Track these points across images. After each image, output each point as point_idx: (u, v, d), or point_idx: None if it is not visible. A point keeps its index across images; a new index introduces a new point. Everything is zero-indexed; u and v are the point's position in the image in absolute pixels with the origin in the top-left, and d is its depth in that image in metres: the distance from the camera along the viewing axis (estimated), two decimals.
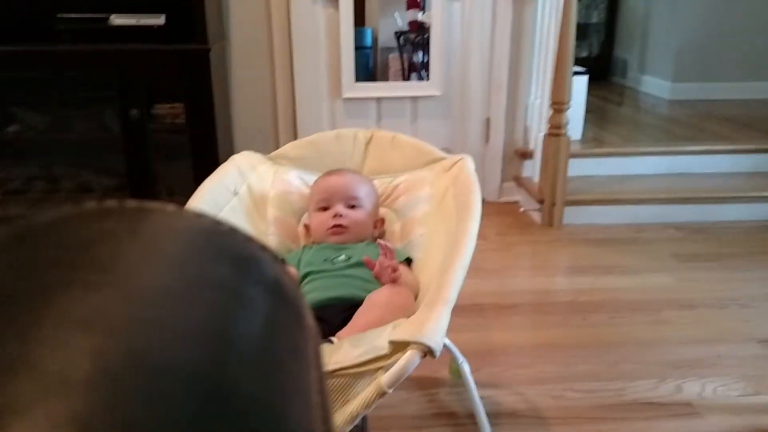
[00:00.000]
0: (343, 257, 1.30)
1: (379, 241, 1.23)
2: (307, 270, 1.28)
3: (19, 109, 2.55)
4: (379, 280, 1.20)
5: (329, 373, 0.91)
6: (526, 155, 2.84)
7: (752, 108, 3.74)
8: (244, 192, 1.39)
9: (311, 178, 1.52)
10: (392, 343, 0.90)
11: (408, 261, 1.32)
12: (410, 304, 1.14)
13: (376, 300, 1.14)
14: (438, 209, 1.37)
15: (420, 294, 1.20)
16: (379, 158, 1.56)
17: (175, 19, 2.30)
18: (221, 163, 2.52)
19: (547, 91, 2.68)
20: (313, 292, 1.23)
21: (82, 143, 2.63)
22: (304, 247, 1.38)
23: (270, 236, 1.38)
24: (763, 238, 2.57)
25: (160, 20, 2.24)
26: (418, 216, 1.41)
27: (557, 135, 2.55)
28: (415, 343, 0.88)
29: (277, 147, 2.79)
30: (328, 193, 1.39)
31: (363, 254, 1.29)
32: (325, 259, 1.30)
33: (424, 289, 1.19)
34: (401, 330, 0.93)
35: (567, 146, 2.56)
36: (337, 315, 1.15)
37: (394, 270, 1.17)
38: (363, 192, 1.41)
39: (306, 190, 1.50)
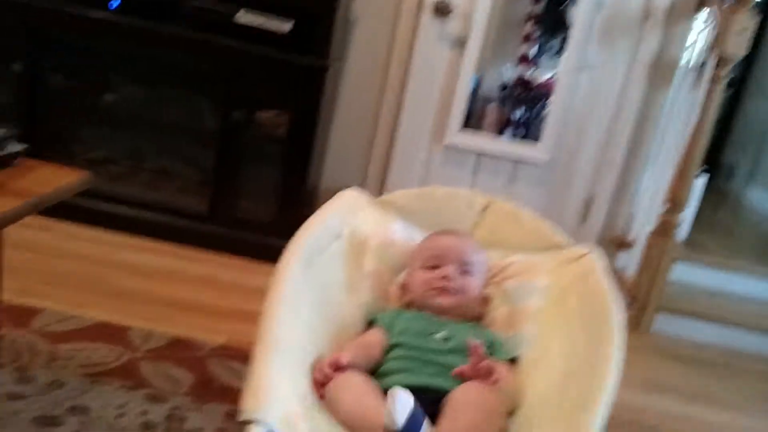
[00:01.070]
0: (442, 335, 1.15)
1: (470, 341, 1.07)
2: (399, 340, 1.15)
3: (121, 78, 2.52)
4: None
5: None
6: (623, 245, 2.64)
7: None
8: (346, 236, 1.27)
9: (416, 233, 1.39)
10: None
11: (511, 360, 1.17)
12: (499, 411, 1.01)
13: (466, 401, 0.98)
14: (556, 308, 1.21)
15: (526, 410, 1.03)
16: (493, 229, 1.42)
17: (299, 27, 2.22)
18: (309, 184, 2.45)
19: (662, 183, 2.49)
20: (402, 374, 1.09)
21: (174, 129, 2.58)
22: (398, 310, 1.24)
23: (362, 291, 1.25)
24: None
25: (286, 26, 2.16)
26: (531, 309, 1.25)
27: (666, 235, 2.35)
28: None
29: (365, 178, 2.72)
30: (440, 252, 1.27)
31: (464, 341, 1.14)
32: (421, 333, 1.16)
33: (528, 407, 1.02)
34: None
35: (674, 249, 2.36)
36: (425, 406, 1.00)
37: (490, 373, 1.02)
38: (478, 260, 1.28)
39: (408, 244, 1.37)
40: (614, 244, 2.68)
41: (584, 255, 1.30)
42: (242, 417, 0.79)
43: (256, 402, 0.80)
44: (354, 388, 0.98)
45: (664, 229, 2.36)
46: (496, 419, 0.97)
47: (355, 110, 2.62)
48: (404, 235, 1.38)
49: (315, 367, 1.03)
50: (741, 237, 3.32)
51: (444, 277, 1.23)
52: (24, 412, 1.42)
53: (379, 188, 2.58)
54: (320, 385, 1.00)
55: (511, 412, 1.04)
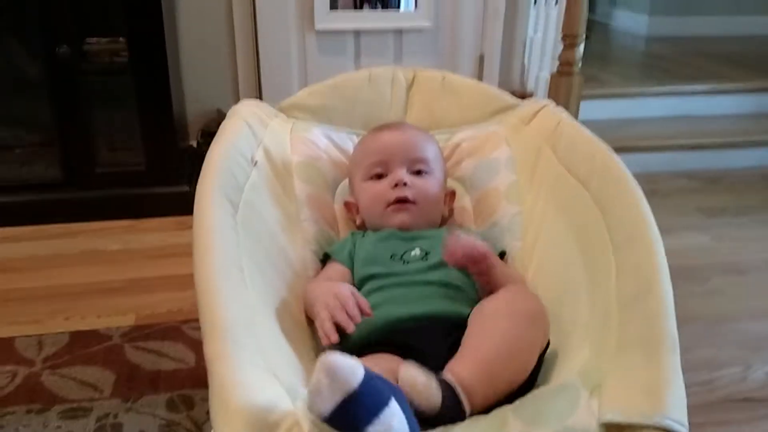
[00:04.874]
0: (417, 252, 0.93)
1: (454, 234, 0.85)
2: (369, 271, 0.91)
3: None
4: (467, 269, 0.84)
5: None
6: (524, 98, 2.49)
7: (741, 45, 3.53)
8: (262, 159, 0.99)
9: (341, 136, 1.13)
10: (605, 425, 0.56)
11: (501, 255, 0.97)
12: (542, 311, 0.78)
13: (493, 309, 0.77)
14: (533, 178, 1.02)
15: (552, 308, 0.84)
16: (427, 107, 1.18)
17: None
18: (176, 114, 2.08)
19: (552, 23, 2.37)
20: (388, 306, 0.85)
21: None
22: (354, 234, 1.00)
23: (304, 222, 0.99)
24: None
25: None
26: (502, 188, 1.05)
27: (569, 73, 2.21)
28: (649, 426, 0.54)
29: (237, 90, 2.37)
30: (383, 155, 1.01)
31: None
32: (393, 255, 0.93)
33: (554, 303, 0.83)
34: (612, 396, 0.59)
35: (580, 86, 2.23)
36: (439, 341, 0.78)
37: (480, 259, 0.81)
38: (431, 153, 1.04)
39: (338, 154, 1.11)
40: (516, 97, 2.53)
41: (542, 108, 1.10)
42: None
43: (235, 422, 0.55)
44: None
45: (565, 68, 2.22)
46: (538, 327, 0.76)
47: (203, 13, 2.22)
48: (328, 143, 1.12)
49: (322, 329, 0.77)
50: (624, 62, 3.29)
51: (396, 186, 0.99)
52: None
53: (257, 98, 2.25)
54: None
55: None
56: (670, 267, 1.06)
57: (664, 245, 1.63)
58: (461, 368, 0.68)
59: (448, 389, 0.65)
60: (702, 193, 2.31)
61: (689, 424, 0.90)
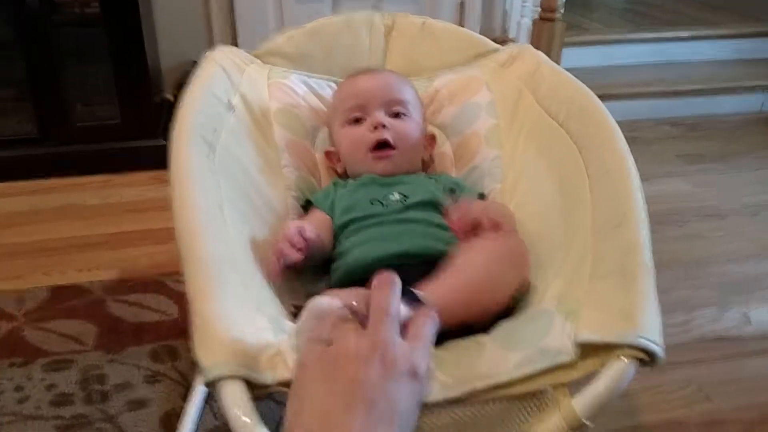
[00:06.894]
0: (396, 195, 0.92)
1: (450, 211, 0.83)
2: (348, 217, 0.90)
3: None
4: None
5: (475, 394, 0.57)
6: (506, 44, 2.47)
7: None
8: (240, 105, 0.97)
9: (321, 84, 1.12)
10: (581, 345, 0.57)
11: (480, 196, 0.97)
12: (527, 255, 0.78)
13: (481, 248, 0.76)
14: (513, 121, 1.01)
15: (536, 243, 0.84)
16: (406, 53, 1.16)
17: None
18: (150, 67, 2.03)
19: None
20: (365, 246, 0.85)
21: None
22: (336, 183, 0.99)
23: (285, 169, 0.98)
24: (762, 132, 2.39)
25: None
26: (482, 131, 1.04)
27: (551, 20, 2.19)
28: (623, 345, 0.55)
29: (212, 40, 2.32)
30: (360, 98, 1.00)
31: (424, 192, 0.92)
32: (372, 200, 0.92)
33: (531, 234, 0.83)
34: (587, 320, 0.59)
35: (562, 32, 2.21)
36: (415, 279, 0.78)
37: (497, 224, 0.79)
38: (409, 95, 1.03)
39: (316, 101, 1.09)
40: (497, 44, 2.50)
41: (521, 52, 1.09)
42: (208, 377, 0.54)
43: (218, 350, 0.55)
44: None
45: (547, 14, 2.19)
46: (523, 267, 0.76)
47: None
48: (306, 90, 1.10)
49: (267, 262, 0.77)
50: (605, 8, 3.25)
51: (376, 128, 0.98)
52: None
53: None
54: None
55: None
56: (650, 212, 1.07)
57: (648, 194, 1.63)
58: (431, 290, 0.68)
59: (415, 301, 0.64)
60: (682, 140, 2.32)
61: (669, 365, 0.91)
